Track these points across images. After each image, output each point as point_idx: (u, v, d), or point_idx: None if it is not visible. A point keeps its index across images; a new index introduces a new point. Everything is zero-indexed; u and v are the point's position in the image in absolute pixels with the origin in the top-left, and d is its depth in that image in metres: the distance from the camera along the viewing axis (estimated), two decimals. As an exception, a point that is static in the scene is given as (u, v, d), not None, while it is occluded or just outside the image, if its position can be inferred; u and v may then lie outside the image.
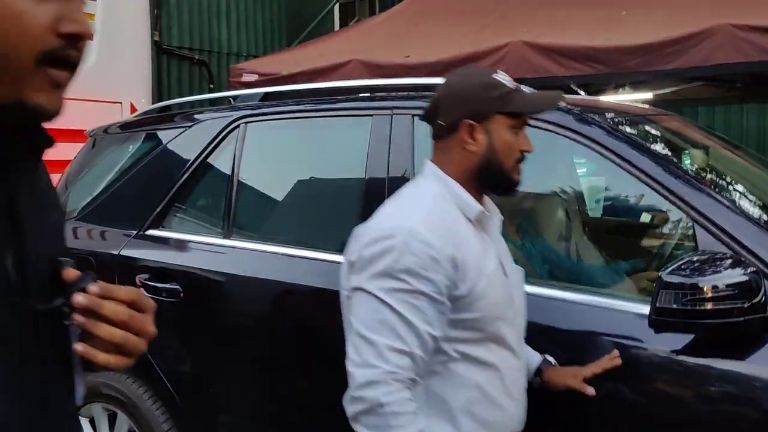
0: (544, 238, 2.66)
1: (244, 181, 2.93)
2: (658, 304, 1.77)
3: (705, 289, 1.74)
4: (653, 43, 4.64)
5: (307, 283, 2.54)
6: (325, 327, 2.49)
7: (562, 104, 2.32)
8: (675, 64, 4.65)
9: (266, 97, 3.01)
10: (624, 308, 2.02)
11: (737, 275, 1.76)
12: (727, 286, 1.75)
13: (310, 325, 2.55)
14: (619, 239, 2.59)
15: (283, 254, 2.63)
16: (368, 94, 2.88)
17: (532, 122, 2.24)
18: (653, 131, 2.40)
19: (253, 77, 6.17)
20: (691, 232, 2.01)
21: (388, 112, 2.55)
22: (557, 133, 2.21)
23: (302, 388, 2.55)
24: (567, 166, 2.50)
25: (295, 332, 2.58)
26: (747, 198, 2.16)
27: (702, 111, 8.08)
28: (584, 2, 5.43)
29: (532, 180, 2.62)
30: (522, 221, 2.65)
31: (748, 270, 1.77)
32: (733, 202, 1.97)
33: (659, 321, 1.78)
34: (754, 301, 1.76)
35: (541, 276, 2.57)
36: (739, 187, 2.23)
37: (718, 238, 1.91)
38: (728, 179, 2.28)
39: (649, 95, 5.68)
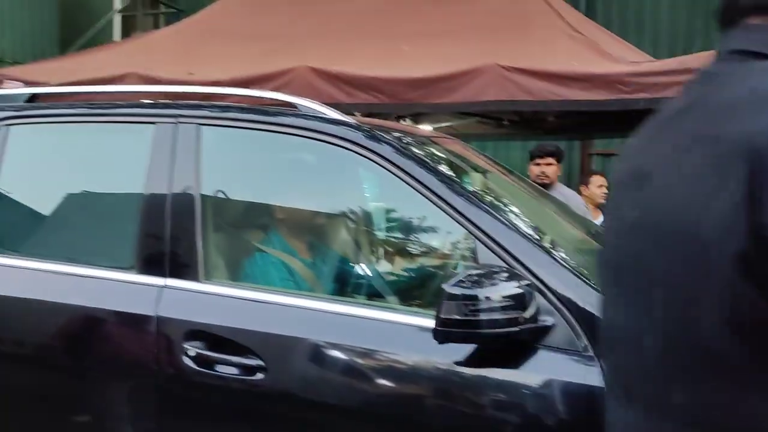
0: (334, 256, 2.66)
1: (3, 191, 2.64)
2: (442, 315, 1.82)
3: (484, 300, 1.81)
4: (430, 77, 4.87)
5: (74, 302, 2.33)
6: (93, 351, 2.31)
7: (353, 121, 2.35)
8: (450, 99, 4.90)
9: (34, 98, 2.74)
10: (409, 322, 2.06)
11: (512, 288, 1.86)
12: (504, 297, 1.84)
13: (77, 349, 2.33)
14: (405, 257, 2.65)
15: (49, 271, 2.40)
16: (151, 101, 2.72)
17: (320, 137, 2.27)
18: (437, 152, 2.50)
19: (18, 85, 5.63)
20: (472, 248, 2.10)
21: (173, 120, 2.42)
22: (347, 149, 2.22)
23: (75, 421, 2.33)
24: (356, 184, 2.53)
25: (62, 357, 2.35)
26: (521, 218, 2.30)
27: (474, 145, 8.65)
28: (370, 34, 5.59)
29: (322, 197, 2.63)
30: (311, 239, 2.63)
31: (523, 283, 1.88)
32: (509, 220, 2.09)
33: (443, 332, 1.83)
34: (528, 312, 1.87)
35: (331, 292, 2.57)
36: (514, 208, 2.38)
37: (496, 254, 2.01)
38: (504, 200, 2.42)
39: (429, 128, 5.97)
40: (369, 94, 5.01)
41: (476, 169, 2.68)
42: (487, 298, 1.82)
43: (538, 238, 2.14)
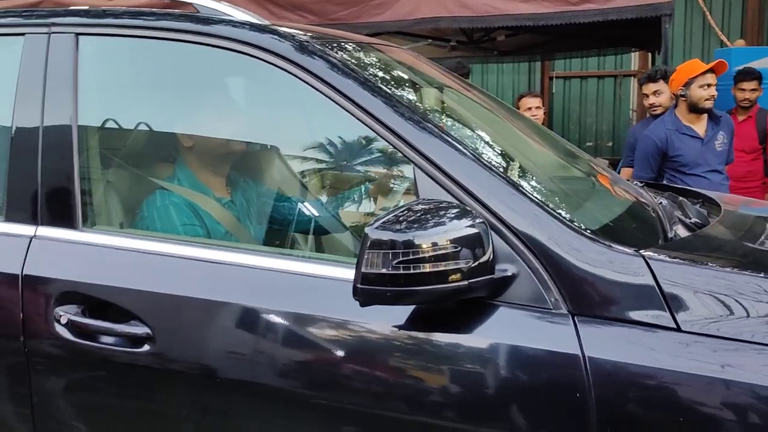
0: (257, 193, 2.19)
1: None
2: (363, 269, 1.37)
3: (423, 247, 1.36)
4: None
5: None
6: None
7: (269, 24, 1.86)
8: (382, 18, 4.57)
9: None
10: (337, 275, 1.61)
11: (461, 228, 1.41)
12: (451, 242, 1.39)
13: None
14: (338, 196, 2.19)
15: None
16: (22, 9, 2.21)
17: (231, 46, 1.79)
18: (380, 63, 2.01)
19: None
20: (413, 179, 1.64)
21: (44, 29, 1.92)
22: (274, 65, 1.73)
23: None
24: (277, 104, 2.04)
25: None
26: (478, 141, 1.84)
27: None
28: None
29: (238, 120, 2.15)
30: (232, 173, 2.16)
31: (476, 221, 1.43)
32: (459, 142, 1.62)
33: (365, 291, 1.38)
34: (481, 260, 1.42)
35: (255, 240, 2.12)
36: (468, 129, 1.91)
37: (440, 184, 1.55)
38: (458, 120, 1.95)
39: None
40: (296, 14, 4.67)
41: (430, 83, 2.19)
42: (427, 244, 1.37)
43: (497, 164, 1.67)
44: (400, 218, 1.39)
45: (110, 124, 2.00)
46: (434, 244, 1.37)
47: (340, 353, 1.55)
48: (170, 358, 1.65)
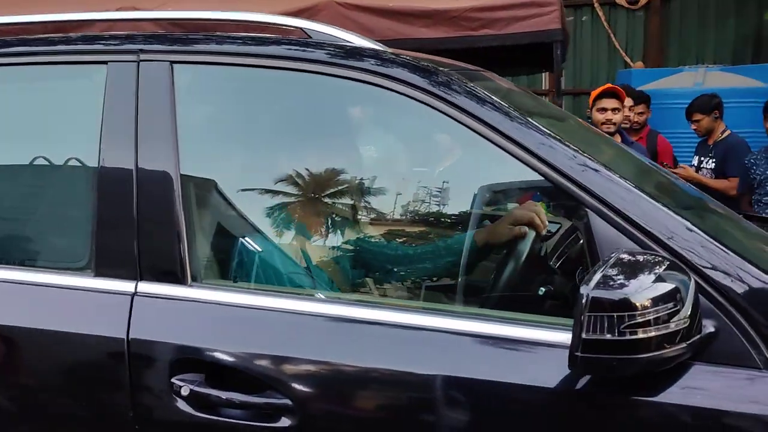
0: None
1: None
2: (585, 335, 1.19)
3: (647, 308, 1.19)
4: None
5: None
6: (34, 401, 1.62)
7: (396, 54, 1.68)
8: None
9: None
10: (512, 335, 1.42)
11: (675, 284, 1.24)
12: (668, 300, 1.22)
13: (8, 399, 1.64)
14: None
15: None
16: (99, 33, 1.98)
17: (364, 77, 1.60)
18: (500, 92, 1.84)
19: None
20: (582, 223, 1.47)
21: (132, 57, 1.70)
22: (394, 91, 1.55)
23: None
24: (406, 138, 1.86)
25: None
26: (639, 181, 1.66)
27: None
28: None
29: (355, 160, 1.94)
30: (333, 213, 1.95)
31: (687, 276, 1.27)
32: (638, 186, 1.46)
33: (588, 360, 1.20)
34: (696, 319, 1.26)
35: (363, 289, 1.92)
36: (615, 165, 1.74)
37: (628, 235, 1.39)
38: (610, 159, 1.77)
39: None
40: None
41: (554, 115, 2.01)
42: (648, 304, 1.20)
43: (671, 206, 1.51)
44: (614, 276, 1.22)
45: (213, 164, 1.78)
46: (655, 304, 1.21)
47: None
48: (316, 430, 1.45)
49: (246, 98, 1.79)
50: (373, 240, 1.92)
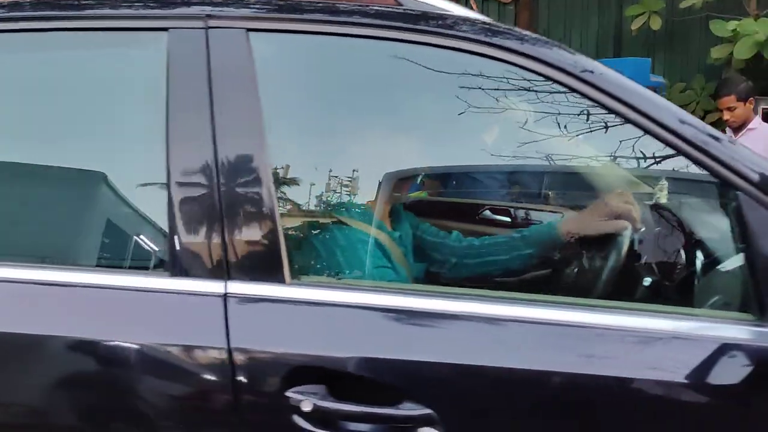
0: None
1: None
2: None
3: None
4: None
5: (61, 332, 1.38)
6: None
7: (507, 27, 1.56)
8: None
9: None
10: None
11: None
12: None
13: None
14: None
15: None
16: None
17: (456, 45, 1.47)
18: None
19: None
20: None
21: (200, 23, 1.48)
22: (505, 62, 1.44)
23: None
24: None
25: None
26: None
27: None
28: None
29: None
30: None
31: None
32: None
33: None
34: None
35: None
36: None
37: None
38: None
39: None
40: None
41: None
42: None
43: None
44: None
45: (302, 144, 1.58)
46: None
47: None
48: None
49: (330, 70, 1.61)
50: (441, 233, 1.82)
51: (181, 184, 1.41)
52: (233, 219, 1.40)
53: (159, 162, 1.43)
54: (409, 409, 1.31)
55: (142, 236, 1.51)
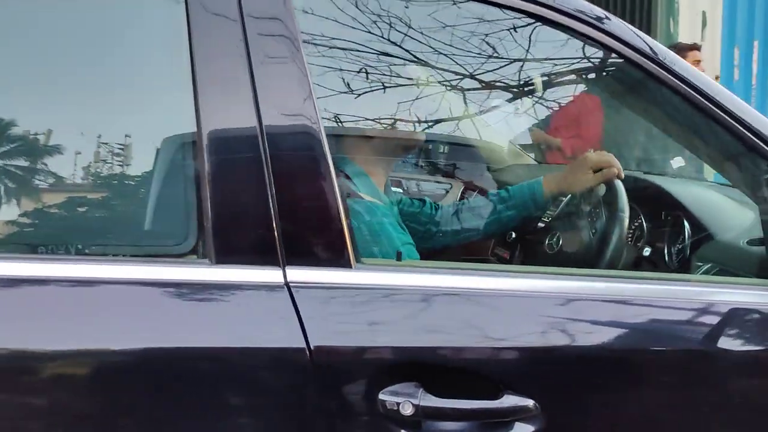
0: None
1: None
2: None
3: None
4: None
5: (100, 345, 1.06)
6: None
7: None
8: None
9: None
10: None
11: None
12: None
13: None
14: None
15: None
16: None
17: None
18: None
19: None
20: None
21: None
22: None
23: None
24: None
25: None
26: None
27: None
28: None
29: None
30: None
31: None
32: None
33: None
34: None
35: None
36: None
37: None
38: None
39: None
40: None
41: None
42: None
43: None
44: None
45: (350, 105, 1.35)
46: None
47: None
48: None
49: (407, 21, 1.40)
50: (415, 202, 1.71)
51: (216, 150, 1.15)
52: (285, 191, 1.16)
53: (186, 120, 1.15)
54: (511, 402, 1.16)
55: (169, 215, 1.21)
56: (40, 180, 1.24)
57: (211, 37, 1.18)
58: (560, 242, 1.77)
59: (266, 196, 1.14)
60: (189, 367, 1.07)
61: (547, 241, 1.81)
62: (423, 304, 1.20)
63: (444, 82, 1.55)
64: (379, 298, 1.19)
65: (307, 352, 1.10)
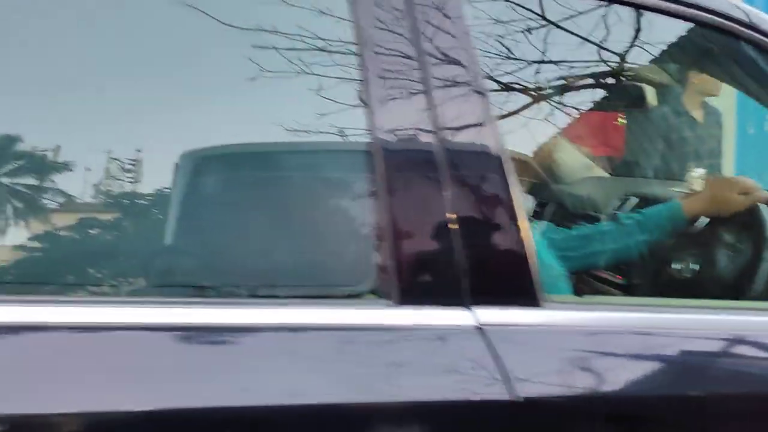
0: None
1: None
2: None
3: None
4: None
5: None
6: None
7: None
8: None
9: None
10: None
11: None
12: None
13: None
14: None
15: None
16: None
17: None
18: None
19: None
20: None
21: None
22: None
23: None
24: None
25: None
26: None
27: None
28: None
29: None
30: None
31: None
32: None
33: None
34: None
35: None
36: None
37: None
38: None
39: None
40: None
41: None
42: None
43: None
44: None
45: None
46: None
47: None
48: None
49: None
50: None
51: (398, 183, 1.00)
52: (469, 222, 1.02)
53: (361, 160, 1.01)
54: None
55: (338, 253, 1.05)
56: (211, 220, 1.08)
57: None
58: (692, 267, 1.64)
59: (449, 229, 0.99)
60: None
61: (673, 266, 1.67)
62: (626, 345, 1.05)
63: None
64: (580, 341, 1.04)
65: (514, 407, 0.94)
